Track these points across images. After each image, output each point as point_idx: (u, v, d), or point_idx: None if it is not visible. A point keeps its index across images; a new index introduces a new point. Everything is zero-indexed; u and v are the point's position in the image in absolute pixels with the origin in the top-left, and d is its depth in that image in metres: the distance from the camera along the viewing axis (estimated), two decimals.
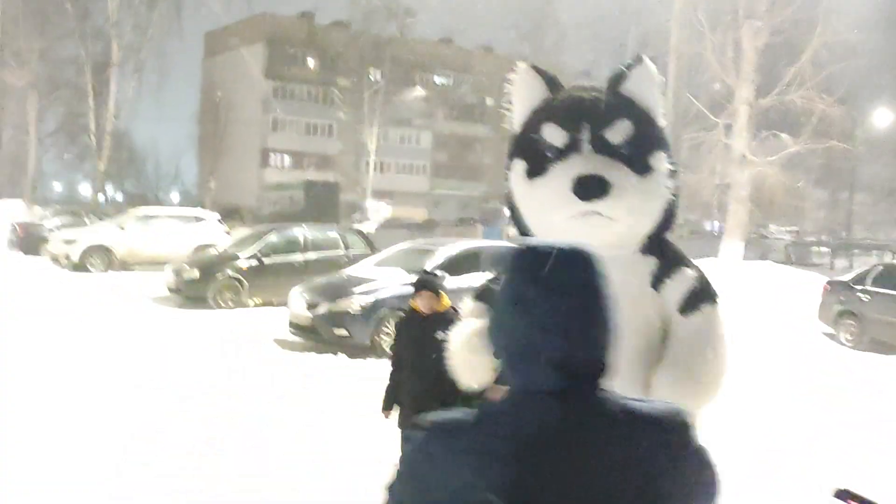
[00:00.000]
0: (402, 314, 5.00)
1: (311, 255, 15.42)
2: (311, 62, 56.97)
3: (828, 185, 46.35)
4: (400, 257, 12.32)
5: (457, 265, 11.49)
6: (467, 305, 4.57)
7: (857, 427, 7.58)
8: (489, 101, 59.82)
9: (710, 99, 21.53)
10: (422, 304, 4.90)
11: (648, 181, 4.12)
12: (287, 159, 56.64)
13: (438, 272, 5.18)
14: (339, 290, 11.19)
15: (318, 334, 10.97)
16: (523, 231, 4.54)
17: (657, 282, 4.15)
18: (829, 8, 20.20)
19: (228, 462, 5.99)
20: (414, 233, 32.44)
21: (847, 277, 14.86)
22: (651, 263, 4.21)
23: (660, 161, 4.20)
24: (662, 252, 4.31)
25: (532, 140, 4.33)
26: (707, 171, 22.23)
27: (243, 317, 13.73)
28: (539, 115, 4.42)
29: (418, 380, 4.79)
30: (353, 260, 15.08)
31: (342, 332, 10.74)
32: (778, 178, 21.28)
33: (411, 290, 10.64)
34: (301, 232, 15.76)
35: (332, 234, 16.33)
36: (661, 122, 4.37)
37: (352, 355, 10.28)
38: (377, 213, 50.97)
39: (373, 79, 53.20)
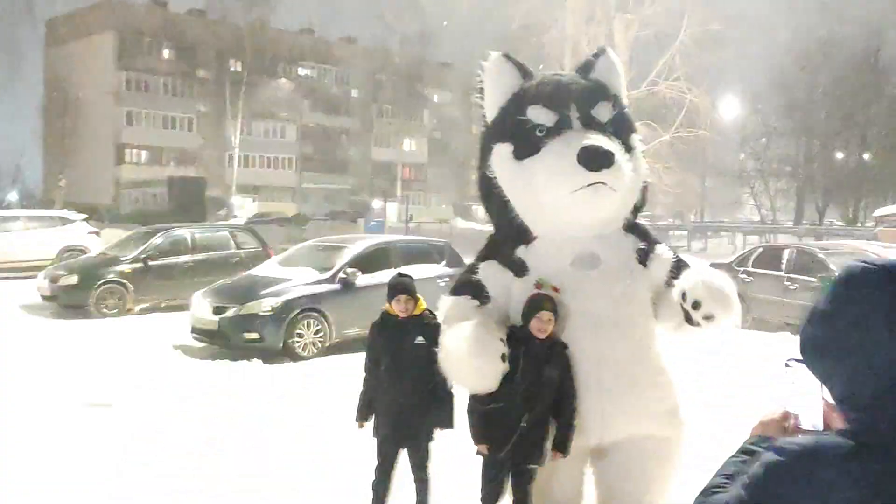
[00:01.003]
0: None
1: (200, 256, 14.70)
2: (166, 52, 54.51)
3: (678, 170, 48.87)
4: (306, 255, 11.92)
5: (367, 262, 11.26)
6: (445, 302, 4.45)
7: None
8: (355, 93, 59.31)
9: None
10: (399, 307, 4.63)
11: (633, 159, 4.34)
12: (144, 155, 54.00)
13: (406, 274, 4.92)
14: (247, 293, 10.69)
15: (226, 339, 10.43)
16: (505, 216, 4.46)
17: (644, 258, 4.39)
18: (696, 1, 21.25)
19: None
20: (289, 228, 31.67)
21: (729, 259, 15.62)
22: (634, 242, 4.45)
23: (637, 142, 4.48)
24: (638, 231, 4.55)
25: (518, 122, 4.32)
26: None
27: (132, 324, 12.93)
28: (520, 99, 4.47)
29: (398, 386, 4.59)
30: (246, 259, 14.54)
31: (253, 335, 10.26)
32: (651, 167, 22.10)
33: (324, 288, 10.57)
34: (188, 232, 15.01)
35: (222, 233, 15.65)
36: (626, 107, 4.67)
37: (266, 360, 9.89)
38: (243, 209, 49.64)
39: (233, 70, 51.65)
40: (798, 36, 48.68)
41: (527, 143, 4.26)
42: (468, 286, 4.41)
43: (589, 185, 4.02)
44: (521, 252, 4.37)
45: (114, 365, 9.55)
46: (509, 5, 22.76)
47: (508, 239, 4.46)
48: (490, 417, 4.14)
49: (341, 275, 10.90)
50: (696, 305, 3.92)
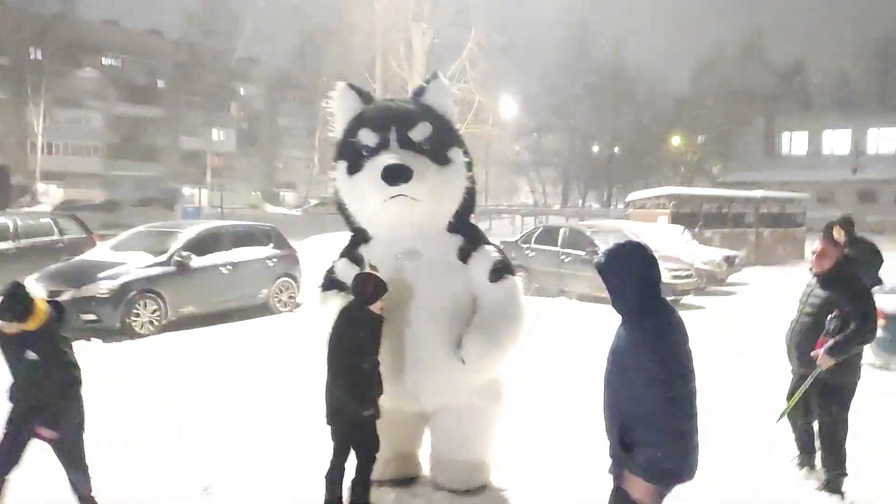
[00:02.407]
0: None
1: (23, 243, 13.70)
2: None
3: None
4: (138, 240, 11.56)
5: (201, 245, 11.19)
6: (316, 295, 4.91)
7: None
8: (161, 84, 56.25)
9: (391, 89, 22.60)
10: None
11: (448, 170, 4.74)
12: None
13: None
14: (83, 276, 10.28)
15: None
16: (350, 221, 4.95)
17: (464, 256, 4.77)
18: (481, 14, 22.44)
19: None
20: (101, 214, 29.77)
21: (515, 238, 16.85)
22: (457, 240, 4.83)
23: (457, 154, 4.84)
24: (466, 231, 4.92)
25: (350, 144, 4.80)
26: None
27: None
28: (355, 123, 4.92)
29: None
30: (70, 245, 13.79)
31: (90, 316, 9.92)
32: None
33: (159, 271, 10.40)
34: (9, 219, 13.94)
35: (45, 220, 14.64)
36: (456, 124, 5.02)
37: (105, 339, 9.63)
38: (47, 195, 45.91)
39: (34, 58, 47.37)
40: (561, 46, 52.21)
41: (355, 162, 4.67)
42: (332, 282, 4.88)
43: (392, 197, 4.46)
44: (362, 250, 4.88)
45: None
46: (311, 6, 22.72)
47: (354, 239, 4.97)
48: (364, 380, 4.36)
49: (176, 257, 10.77)
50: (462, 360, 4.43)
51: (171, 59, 53.69)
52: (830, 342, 4.66)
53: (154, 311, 10.34)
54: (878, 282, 7.90)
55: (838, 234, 7.55)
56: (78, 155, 52.50)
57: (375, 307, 4.33)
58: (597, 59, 53.17)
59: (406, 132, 4.66)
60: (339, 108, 4.96)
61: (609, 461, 3.21)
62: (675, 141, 50.95)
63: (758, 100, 50.77)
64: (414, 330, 4.52)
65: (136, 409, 6.65)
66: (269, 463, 5.35)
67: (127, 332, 9.98)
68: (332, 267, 4.95)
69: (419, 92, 5.02)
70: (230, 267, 11.48)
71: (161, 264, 10.67)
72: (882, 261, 8.14)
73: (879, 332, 7.65)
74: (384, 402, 4.41)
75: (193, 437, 5.90)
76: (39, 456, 4.25)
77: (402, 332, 4.53)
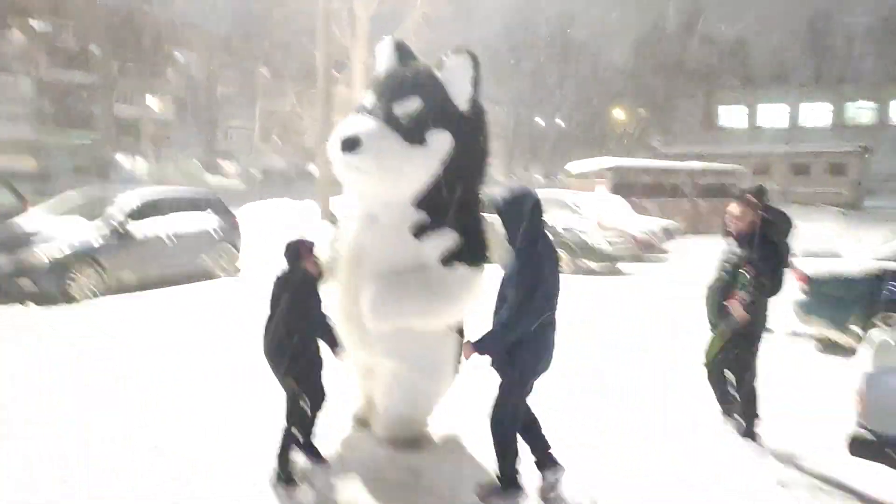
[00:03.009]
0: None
1: None
2: None
3: None
4: (73, 205, 11.35)
5: (139, 211, 11.09)
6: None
7: None
8: (95, 50, 54.38)
9: (333, 57, 22.37)
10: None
11: (417, 150, 4.60)
12: None
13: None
14: (17, 241, 10.11)
15: None
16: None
17: (419, 232, 4.73)
18: None
19: None
20: (34, 184, 28.89)
21: None
22: (419, 216, 4.74)
23: (437, 138, 4.65)
24: (436, 210, 4.74)
25: (359, 104, 4.88)
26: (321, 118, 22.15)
27: None
28: (372, 82, 4.98)
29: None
30: (2, 211, 13.46)
31: (26, 281, 9.79)
32: None
33: (98, 236, 10.28)
34: None
35: None
36: (463, 107, 4.70)
37: (41, 303, 9.54)
38: None
39: None
40: (506, 17, 52.19)
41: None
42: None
43: (344, 164, 4.61)
44: (340, 206, 5.08)
45: None
46: None
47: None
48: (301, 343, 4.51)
49: (114, 223, 10.66)
50: None
51: (106, 24, 51.91)
52: (743, 295, 5.04)
53: (91, 276, 10.24)
54: (788, 248, 8.33)
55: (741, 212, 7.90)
56: (6, 121, 50.62)
57: (310, 267, 4.51)
58: (541, 31, 53.48)
59: (390, 103, 4.64)
60: (378, 62, 5.02)
61: None
62: (618, 114, 51.74)
63: (698, 74, 51.81)
64: (357, 286, 4.70)
65: (73, 372, 6.66)
66: (211, 421, 5.47)
67: (63, 298, 9.87)
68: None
69: (438, 64, 4.82)
70: (169, 233, 11.40)
71: (98, 229, 10.54)
72: (791, 226, 8.57)
73: (800, 296, 8.14)
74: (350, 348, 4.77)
75: (142, 396, 5.98)
76: None
77: (349, 288, 4.77)
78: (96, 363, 6.93)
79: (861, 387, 4.26)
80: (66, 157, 46.47)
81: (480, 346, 4.03)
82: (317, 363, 4.53)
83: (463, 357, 4.24)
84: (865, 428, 4.15)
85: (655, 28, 55.55)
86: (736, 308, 5.05)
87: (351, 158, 4.50)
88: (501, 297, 4.13)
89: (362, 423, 5.27)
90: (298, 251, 4.49)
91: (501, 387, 4.13)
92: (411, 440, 4.98)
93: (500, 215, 4.11)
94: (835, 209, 28.45)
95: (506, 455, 4.16)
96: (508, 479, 4.19)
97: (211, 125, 56.47)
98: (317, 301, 4.53)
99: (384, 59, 4.97)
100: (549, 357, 4.19)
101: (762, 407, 5.32)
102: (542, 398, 4.39)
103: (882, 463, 4.17)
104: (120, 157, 49.51)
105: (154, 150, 50.61)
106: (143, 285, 10.84)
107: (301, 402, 4.48)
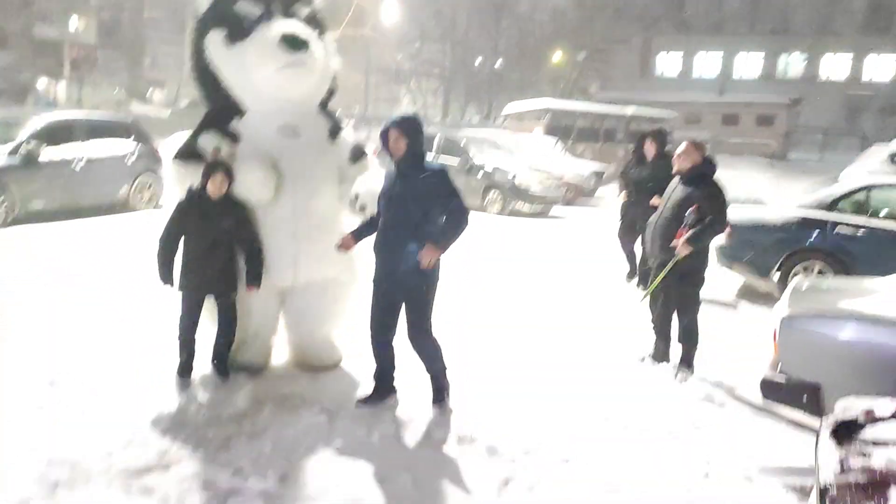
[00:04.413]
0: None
1: None
2: None
3: (345, 67, 49.46)
4: None
5: (51, 136, 10.46)
6: (178, 166, 4.73)
7: None
8: None
9: None
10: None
11: (325, 53, 4.89)
12: None
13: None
14: None
15: None
16: (217, 93, 4.80)
17: (333, 135, 5.02)
18: None
19: None
20: None
21: None
22: (327, 121, 5.07)
23: (328, 42, 5.03)
24: (328, 114, 5.16)
25: (228, 12, 4.68)
26: None
27: None
28: None
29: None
30: None
31: None
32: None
33: (5, 161, 9.67)
34: None
35: None
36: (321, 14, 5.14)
37: None
38: None
39: None
40: None
41: (238, 30, 4.65)
42: (196, 153, 4.69)
43: (288, 65, 4.55)
44: (235, 123, 4.77)
45: None
46: None
47: (223, 113, 4.82)
48: (188, 264, 4.58)
49: (23, 148, 10.02)
50: (362, 208, 4.88)
51: None
52: (689, 233, 5.24)
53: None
54: None
55: (650, 147, 8.02)
56: None
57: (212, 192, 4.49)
58: None
59: (290, 5, 4.83)
60: None
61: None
62: (556, 56, 51.45)
63: (636, 19, 51.74)
64: (296, 202, 4.68)
65: None
66: (115, 355, 5.22)
67: None
68: (197, 136, 4.77)
69: None
70: (84, 160, 10.80)
71: (7, 155, 9.91)
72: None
73: (722, 241, 8.24)
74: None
75: (41, 330, 5.67)
76: None
77: (283, 206, 4.67)
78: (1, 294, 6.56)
79: (775, 330, 4.30)
80: None
81: (445, 245, 4.20)
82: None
83: (425, 261, 4.18)
84: (780, 372, 4.20)
85: None
86: (683, 247, 5.22)
87: (304, 57, 4.59)
88: (400, 206, 4.27)
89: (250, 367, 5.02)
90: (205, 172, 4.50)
91: (424, 298, 4.35)
92: (340, 359, 5.18)
93: (397, 136, 4.25)
94: (762, 160, 29.09)
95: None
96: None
97: (137, 51, 53.90)
98: (229, 221, 4.54)
99: None
100: None
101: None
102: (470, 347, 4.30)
103: (793, 406, 4.24)
104: (39, 82, 46.97)
105: (77, 75, 48.09)
106: (55, 215, 10.30)
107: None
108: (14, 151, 9.96)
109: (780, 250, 7.90)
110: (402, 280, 4.27)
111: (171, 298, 4.78)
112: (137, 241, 8.99)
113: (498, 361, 5.47)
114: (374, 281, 4.43)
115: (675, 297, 5.50)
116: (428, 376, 4.54)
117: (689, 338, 5.53)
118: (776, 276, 7.87)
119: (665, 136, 8.26)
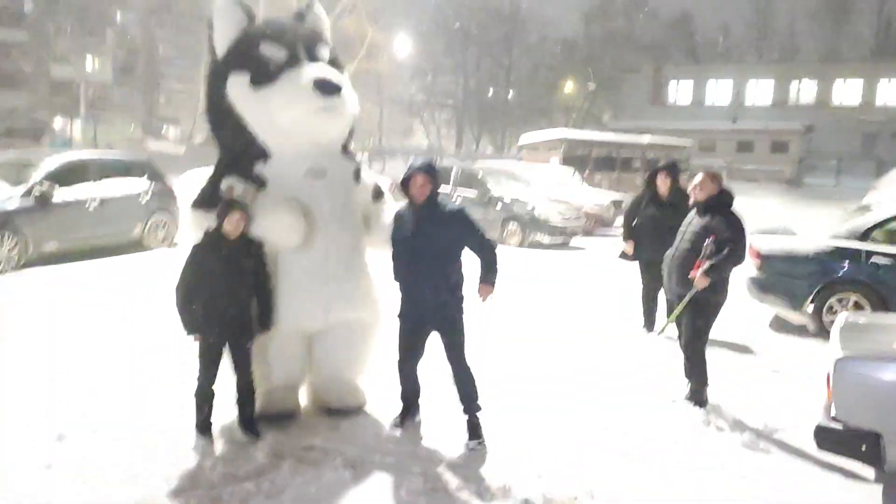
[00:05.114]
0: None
1: None
2: None
3: (360, 100, 49.62)
4: None
5: (65, 176, 10.33)
6: (196, 215, 4.56)
7: None
8: (28, 6, 51.85)
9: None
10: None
11: (352, 96, 4.78)
12: None
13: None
14: None
15: None
16: (242, 137, 4.63)
17: (357, 176, 4.97)
18: None
19: None
20: None
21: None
22: (352, 162, 5.01)
23: (346, 79, 4.83)
24: (349, 154, 5.08)
25: (252, 56, 4.55)
26: None
27: None
28: (252, 36, 4.75)
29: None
30: None
31: None
32: None
33: (18, 203, 9.54)
34: None
35: None
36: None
37: None
38: None
39: None
40: None
41: (264, 74, 4.55)
42: (214, 199, 4.50)
43: (322, 108, 4.48)
44: (259, 168, 4.61)
45: None
46: None
47: (244, 157, 4.66)
48: (207, 308, 4.29)
49: (37, 189, 9.89)
50: None
51: None
52: (707, 264, 5.03)
53: (12, 247, 9.48)
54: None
55: (663, 181, 7.26)
56: None
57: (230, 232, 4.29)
58: (489, 2, 52.59)
59: (313, 49, 4.77)
60: (224, 22, 4.77)
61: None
62: (568, 86, 51.52)
63: (645, 48, 51.83)
64: (327, 244, 4.61)
65: None
66: (127, 405, 4.99)
67: None
68: (216, 182, 4.62)
69: (301, 16, 5.07)
70: (98, 200, 10.65)
71: (20, 196, 9.77)
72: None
73: (753, 273, 7.94)
74: (285, 324, 4.55)
75: (51, 379, 5.45)
76: None
77: (316, 248, 4.58)
78: (9, 337, 6.36)
79: (829, 374, 4.01)
80: None
81: (493, 282, 4.50)
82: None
83: (485, 299, 4.52)
84: (835, 419, 3.91)
85: (603, 0, 55.23)
86: (701, 279, 5.05)
87: (335, 102, 4.55)
88: (427, 243, 4.43)
89: (278, 416, 4.78)
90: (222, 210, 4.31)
91: (459, 325, 4.57)
92: (364, 403, 5.01)
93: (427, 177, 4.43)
94: (778, 186, 28.82)
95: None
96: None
97: (152, 88, 54.49)
98: (246, 263, 4.37)
99: (234, 17, 4.76)
100: None
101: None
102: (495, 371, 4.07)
103: (850, 457, 3.94)
104: (57, 121, 47.49)
105: (92, 114, 48.55)
106: (69, 256, 10.13)
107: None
108: (27, 193, 9.80)
109: (814, 282, 7.60)
110: (436, 310, 4.47)
111: (187, 345, 4.51)
112: (152, 280, 8.91)
113: (540, 410, 5.21)
114: (401, 315, 4.57)
115: (684, 330, 5.34)
116: (464, 416, 4.58)
117: (694, 372, 5.32)
118: (810, 307, 7.58)
119: (678, 169, 7.68)
